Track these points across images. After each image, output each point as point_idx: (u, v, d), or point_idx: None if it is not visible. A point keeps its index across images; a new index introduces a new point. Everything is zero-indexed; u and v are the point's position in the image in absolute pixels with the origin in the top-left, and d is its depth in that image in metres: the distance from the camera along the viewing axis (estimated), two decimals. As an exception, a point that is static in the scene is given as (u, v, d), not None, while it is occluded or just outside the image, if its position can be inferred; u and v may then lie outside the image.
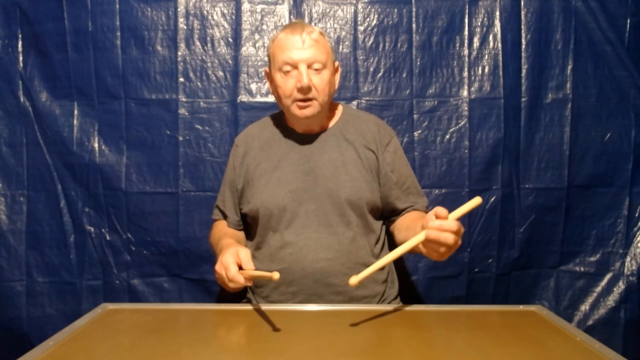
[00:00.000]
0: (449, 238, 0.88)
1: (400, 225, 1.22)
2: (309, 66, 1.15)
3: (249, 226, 1.31)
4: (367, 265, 1.17)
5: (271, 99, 1.63)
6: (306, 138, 1.25)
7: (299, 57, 1.14)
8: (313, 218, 1.18)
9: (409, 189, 1.26)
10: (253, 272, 0.97)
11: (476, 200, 0.92)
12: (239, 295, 1.38)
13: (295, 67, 1.15)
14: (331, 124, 1.27)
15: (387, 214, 1.28)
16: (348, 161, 1.22)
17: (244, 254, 1.00)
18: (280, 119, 1.32)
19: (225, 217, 1.33)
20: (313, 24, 1.63)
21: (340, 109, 1.32)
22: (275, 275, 0.90)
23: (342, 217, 1.18)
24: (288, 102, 1.18)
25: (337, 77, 1.27)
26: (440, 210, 0.89)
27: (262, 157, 1.26)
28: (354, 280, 0.91)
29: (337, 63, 1.25)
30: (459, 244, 0.92)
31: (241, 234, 1.33)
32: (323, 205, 1.18)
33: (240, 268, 0.99)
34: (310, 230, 1.17)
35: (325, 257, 1.16)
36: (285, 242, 1.18)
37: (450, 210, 0.90)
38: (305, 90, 1.15)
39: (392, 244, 1.26)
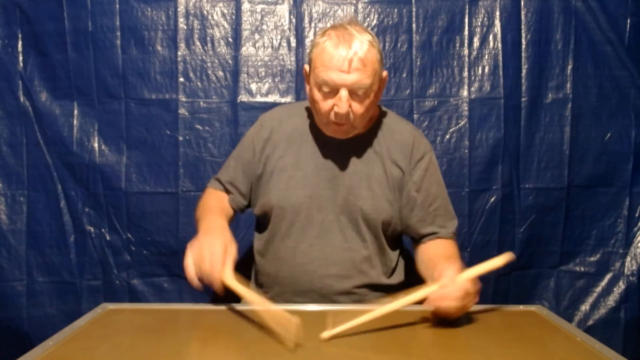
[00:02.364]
0: (451, 307, 0.88)
1: (423, 256, 1.15)
2: (351, 91, 1.03)
3: (257, 219, 1.25)
4: (376, 287, 1.15)
5: (271, 98, 1.63)
6: (334, 142, 1.15)
7: (341, 82, 1.02)
8: (329, 229, 1.13)
9: (436, 211, 1.16)
10: (275, 310, 0.89)
11: (507, 257, 0.91)
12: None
13: (335, 90, 1.04)
14: (364, 130, 1.17)
15: (411, 234, 1.20)
16: (372, 176, 1.14)
17: (231, 255, 0.94)
18: (311, 113, 1.20)
19: (227, 192, 1.25)
20: (313, 24, 1.62)
21: (377, 114, 1.20)
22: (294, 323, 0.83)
23: (358, 234, 1.14)
24: (323, 119, 1.10)
25: (383, 87, 1.14)
26: (448, 272, 0.89)
27: (285, 150, 1.17)
28: (327, 334, 0.86)
29: (384, 73, 1.11)
30: (468, 307, 0.91)
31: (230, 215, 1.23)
32: (340, 217, 1.13)
33: None
34: (324, 243, 1.13)
35: (336, 273, 1.12)
36: (297, 249, 1.13)
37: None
38: (342, 117, 1.05)
39: (409, 266, 1.22)
